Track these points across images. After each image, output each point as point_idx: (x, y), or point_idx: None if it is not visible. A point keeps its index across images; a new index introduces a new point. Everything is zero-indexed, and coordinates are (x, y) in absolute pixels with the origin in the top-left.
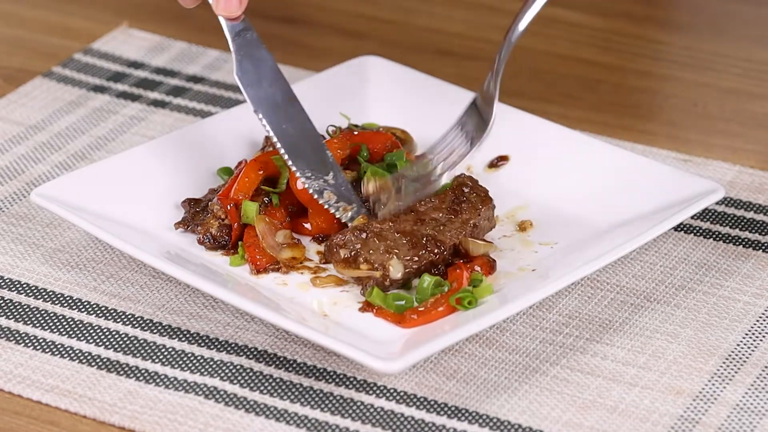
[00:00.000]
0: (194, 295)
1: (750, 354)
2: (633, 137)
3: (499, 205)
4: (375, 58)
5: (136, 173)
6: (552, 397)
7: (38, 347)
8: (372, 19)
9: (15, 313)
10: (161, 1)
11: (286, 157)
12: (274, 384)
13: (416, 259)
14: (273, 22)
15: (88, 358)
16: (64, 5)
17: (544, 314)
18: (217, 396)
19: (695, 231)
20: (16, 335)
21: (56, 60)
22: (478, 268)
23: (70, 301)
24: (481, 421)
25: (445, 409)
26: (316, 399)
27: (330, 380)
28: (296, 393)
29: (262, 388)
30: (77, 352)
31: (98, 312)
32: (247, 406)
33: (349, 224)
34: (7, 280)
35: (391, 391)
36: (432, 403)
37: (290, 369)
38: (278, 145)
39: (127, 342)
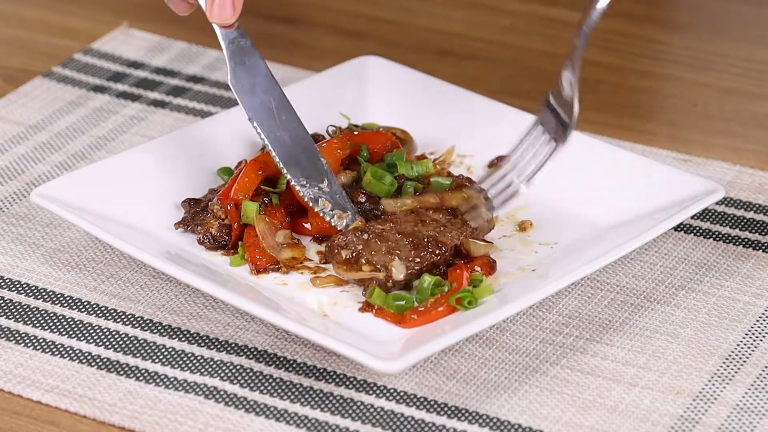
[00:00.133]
0: (194, 295)
1: (750, 354)
2: (633, 137)
3: None
4: (375, 58)
5: (136, 173)
6: (552, 397)
7: (38, 347)
8: (372, 19)
9: (15, 313)
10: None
11: (281, 165)
12: (274, 384)
13: (418, 260)
14: (273, 22)
15: (88, 358)
16: (64, 5)
17: (544, 314)
18: (217, 396)
19: (695, 231)
20: (16, 335)
21: (56, 60)
22: (478, 269)
23: (70, 301)
24: (481, 421)
25: (445, 409)
26: (316, 399)
27: (330, 380)
28: (296, 393)
29: (262, 388)
30: (77, 352)
31: (98, 312)
32: (247, 406)
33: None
34: (7, 280)
35: (391, 391)
36: (432, 403)
37: (290, 369)
38: (273, 153)
39: (127, 342)
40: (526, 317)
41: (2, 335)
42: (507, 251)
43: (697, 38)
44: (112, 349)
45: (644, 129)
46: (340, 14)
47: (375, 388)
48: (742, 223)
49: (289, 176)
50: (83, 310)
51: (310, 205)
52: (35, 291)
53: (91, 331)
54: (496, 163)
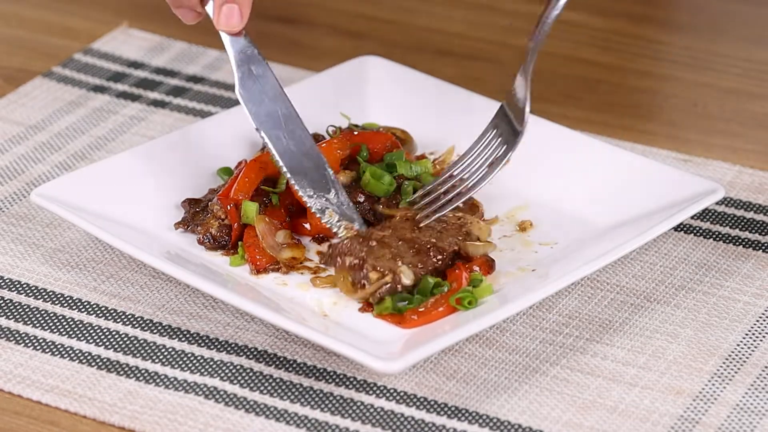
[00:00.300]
0: (194, 295)
1: (750, 354)
2: (633, 137)
3: (499, 205)
4: (375, 58)
5: (136, 173)
6: (552, 397)
7: (38, 347)
8: (372, 19)
9: (15, 313)
10: (161, 1)
11: (288, 175)
12: (274, 384)
13: (420, 266)
14: (273, 22)
15: (88, 358)
16: (64, 5)
17: (544, 314)
18: (217, 396)
19: (695, 231)
20: (16, 335)
21: (56, 60)
22: (476, 268)
23: (70, 301)
24: (481, 421)
25: (445, 409)
26: (316, 399)
27: (330, 380)
28: (296, 393)
29: (262, 388)
30: (77, 352)
31: (98, 312)
32: (247, 406)
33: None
34: (7, 280)
35: (391, 391)
36: (432, 403)
37: (290, 369)
38: (280, 163)
39: (127, 342)
40: (526, 317)
41: (2, 335)
42: (507, 251)
43: (697, 38)
44: (112, 349)
45: (644, 129)
46: (340, 14)
47: (375, 388)
48: (742, 223)
49: (296, 187)
50: (83, 310)
51: (318, 216)
52: (35, 291)
53: (91, 331)
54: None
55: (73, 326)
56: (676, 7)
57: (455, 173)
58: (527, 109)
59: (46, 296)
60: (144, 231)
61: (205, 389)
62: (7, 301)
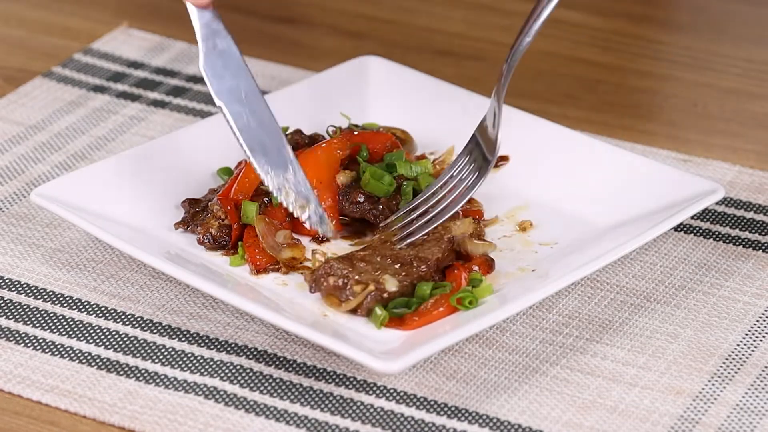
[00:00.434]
0: (194, 295)
1: (750, 354)
2: (633, 137)
3: (499, 205)
4: (375, 58)
5: (136, 173)
6: (552, 397)
7: (38, 347)
8: (372, 19)
9: (15, 313)
10: (161, 1)
11: (247, 152)
12: (274, 384)
13: (404, 275)
14: (273, 22)
15: (88, 358)
16: (64, 5)
17: (544, 314)
18: (217, 396)
19: (695, 231)
20: (16, 335)
21: (56, 60)
22: (476, 268)
23: (70, 301)
24: (481, 421)
25: (445, 409)
26: (316, 399)
27: (330, 380)
28: (296, 393)
29: (262, 388)
30: (77, 352)
31: (98, 312)
32: (247, 406)
33: (306, 224)
34: (7, 280)
35: (391, 391)
36: (432, 403)
37: (290, 369)
38: (240, 139)
39: (127, 342)
40: (526, 317)
41: (2, 335)
42: (507, 251)
43: (697, 38)
44: (112, 349)
45: (644, 129)
46: (340, 14)
47: (375, 388)
48: (742, 223)
49: (254, 164)
50: (83, 310)
51: (274, 194)
52: (35, 291)
53: (91, 331)
54: (496, 164)
55: (73, 326)
56: (676, 7)
57: (427, 200)
58: (498, 138)
59: (46, 296)
60: (144, 231)
61: (205, 389)
62: (7, 301)
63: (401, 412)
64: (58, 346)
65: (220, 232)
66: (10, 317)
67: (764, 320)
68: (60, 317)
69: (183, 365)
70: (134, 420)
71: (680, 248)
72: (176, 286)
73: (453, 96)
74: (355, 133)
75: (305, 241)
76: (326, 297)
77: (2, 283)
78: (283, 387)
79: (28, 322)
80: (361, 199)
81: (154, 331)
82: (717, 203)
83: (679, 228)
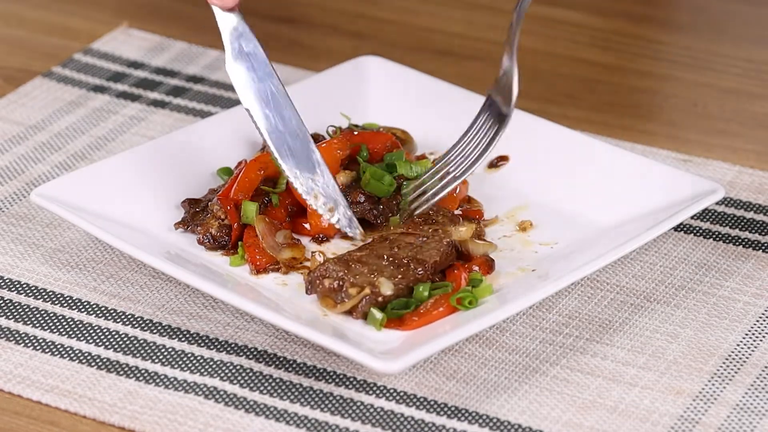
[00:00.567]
0: (194, 295)
1: (750, 354)
2: (633, 137)
3: (499, 205)
4: (375, 58)
5: (136, 173)
6: (552, 397)
7: (38, 347)
8: (372, 19)
9: (15, 313)
10: (161, 1)
11: (275, 154)
12: (274, 384)
13: (400, 277)
14: (273, 22)
15: (88, 358)
16: (64, 5)
17: (544, 314)
18: (217, 396)
19: (695, 231)
20: (16, 335)
21: (56, 60)
22: (476, 268)
23: (70, 301)
24: (481, 421)
25: (445, 409)
26: (316, 399)
27: (330, 380)
28: (296, 393)
29: (262, 388)
30: (77, 352)
31: (98, 312)
32: (247, 406)
33: (336, 226)
34: (7, 280)
35: (391, 391)
36: (432, 403)
37: (290, 369)
38: (267, 142)
39: (127, 342)
40: (526, 317)
41: (2, 335)
42: (507, 251)
43: (697, 38)
44: (112, 349)
45: (644, 129)
46: (340, 14)
47: (375, 388)
48: (742, 223)
49: (282, 167)
50: (83, 310)
51: (303, 196)
52: (35, 291)
53: (91, 331)
54: (496, 164)
55: (73, 326)
56: (676, 7)
57: (446, 163)
58: (515, 87)
59: (46, 296)
60: (144, 231)
61: (205, 389)
62: (7, 301)
63: (401, 412)
64: (58, 346)
65: (220, 232)
66: (10, 317)
67: (764, 320)
68: (60, 317)
69: (183, 365)
70: (134, 420)
71: (680, 248)
72: (176, 286)
73: (453, 96)
74: (355, 133)
75: (305, 241)
76: (322, 299)
77: (2, 283)
78: (283, 387)
79: (28, 322)
80: (362, 199)
81: (154, 331)
82: (717, 203)
83: (679, 228)
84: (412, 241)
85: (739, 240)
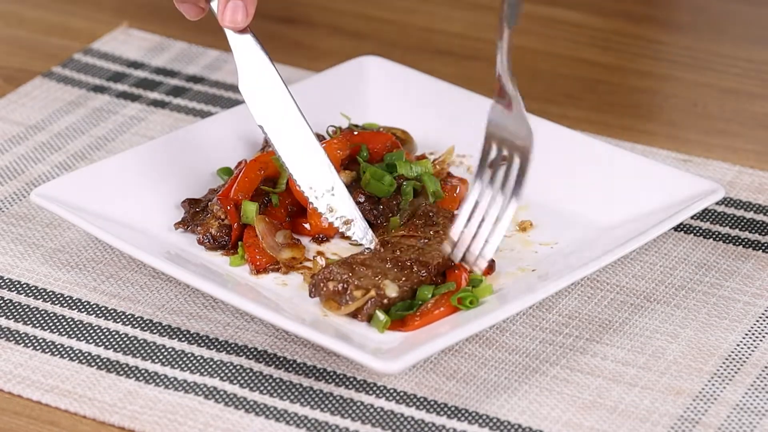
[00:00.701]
0: (194, 295)
1: (750, 354)
2: (633, 137)
3: None
4: (375, 58)
5: (136, 173)
6: (552, 397)
7: (38, 347)
8: (372, 19)
9: (15, 313)
10: (161, 1)
11: (290, 172)
12: (274, 384)
13: (404, 279)
14: (273, 22)
15: (88, 358)
16: (64, 5)
17: (544, 314)
18: (217, 396)
19: (695, 231)
20: (16, 335)
21: (56, 60)
22: None
23: (70, 301)
24: (481, 421)
25: (445, 409)
26: (316, 399)
27: (330, 380)
28: (296, 393)
29: (262, 388)
30: (77, 352)
31: (98, 312)
32: (247, 406)
33: (353, 238)
34: (7, 280)
35: (391, 391)
36: (432, 403)
37: (290, 369)
38: (282, 159)
39: (127, 342)
40: (526, 317)
41: (2, 335)
42: (507, 251)
43: (697, 38)
44: (112, 349)
45: (644, 129)
46: (340, 14)
47: (375, 388)
48: (742, 223)
49: (298, 182)
50: (83, 310)
51: (319, 211)
52: (35, 291)
53: (91, 331)
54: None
55: (73, 326)
56: (676, 7)
57: (477, 212)
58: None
59: (46, 296)
60: (144, 231)
61: (205, 389)
62: (7, 301)
63: (401, 412)
64: (58, 346)
65: (220, 232)
66: (10, 317)
67: (764, 320)
68: (60, 317)
69: (183, 365)
70: (134, 420)
71: (680, 248)
72: (176, 286)
73: (453, 96)
74: (355, 133)
75: (305, 241)
76: (325, 302)
77: (2, 283)
78: (283, 387)
79: (28, 322)
80: (362, 200)
81: (154, 331)
82: (717, 203)
83: (679, 228)
84: (414, 243)
85: (739, 240)
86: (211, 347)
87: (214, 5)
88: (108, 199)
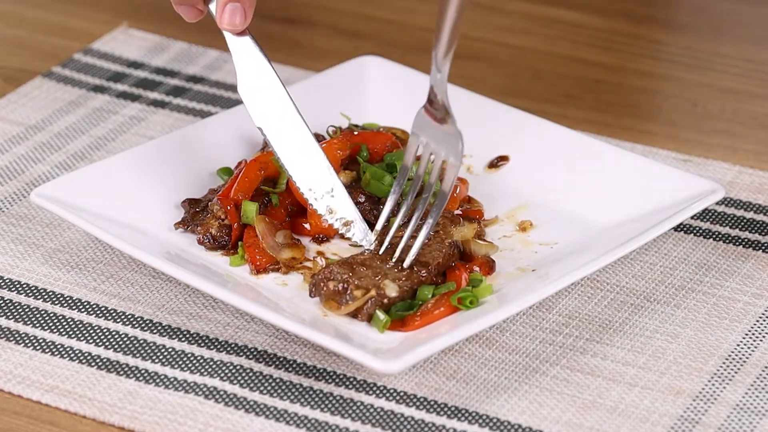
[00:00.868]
0: (194, 295)
1: (750, 354)
2: (633, 137)
3: (499, 205)
4: (375, 58)
5: (136, 173)
6: (552, 397)
7: (38, 347)
8: (372, 19)
9: (15, 313)
10: (161, 1)
11: (289, 174)
12: (274, 384)
13: (404, 279)
14: (273, 22)
15: (88, 358)
16: (64, 5)
17: (544, 314)
18: (217, 396)
19: (695, 231)
20: (16, 335)
21: (56, 60)
22: (476, 269)
23: (70, 301)
24: (481, 421)
25: (445, 409)
26: (316, 399)
27: (330, 380)
28: (296, 393)
29: (262, 388)
30: (77, 352)
31: (98, 312)
32: (247, 406)
33: (353, 239)
34: (7, 280)
35: (391, 391)
36: (432, 403)
37: (290, 369)
38: (281, 161)
39: (127, 342)
40: (526, 317)
41: (2, 335)
42: (507, 251)
43: (697, 38)
44: (112, 349)
45: (644, 129)
46: (340, 14)
47: (375, 388)
48: (742, 223)
49: (298, 185)
50: (83, 310)
51: (319, 213)
52: (35, 291)
53: (91, 331)
54: (496, 164)
55: (73, 326)
56: (676, 7)
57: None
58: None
59: (46, 296)
60: (144, 231)
61: (205, 389)
62: (7, 301)
63: (401, 412)
64: (58, 346)
65: (220, 232)
66: (10, 317)
67: (764, 320)
68: (60, 317)
69: (183, 365)
70: (134, 420)
71: (680, 248)
72: (176, 286)
73: (453, 96)
74: (355, 133)
75: (305, 241)
76: (325, 302)
77: (2, 283)
78: (283, 387)
79: (28, 322)
80: (362, 200)
81: (154, 331)
82: (717, 203)
83: (679, 228)
84: (413, 243)
85: (739, 240)
86: (211, 347)
87: (212, 7)
88: (108, 199)
